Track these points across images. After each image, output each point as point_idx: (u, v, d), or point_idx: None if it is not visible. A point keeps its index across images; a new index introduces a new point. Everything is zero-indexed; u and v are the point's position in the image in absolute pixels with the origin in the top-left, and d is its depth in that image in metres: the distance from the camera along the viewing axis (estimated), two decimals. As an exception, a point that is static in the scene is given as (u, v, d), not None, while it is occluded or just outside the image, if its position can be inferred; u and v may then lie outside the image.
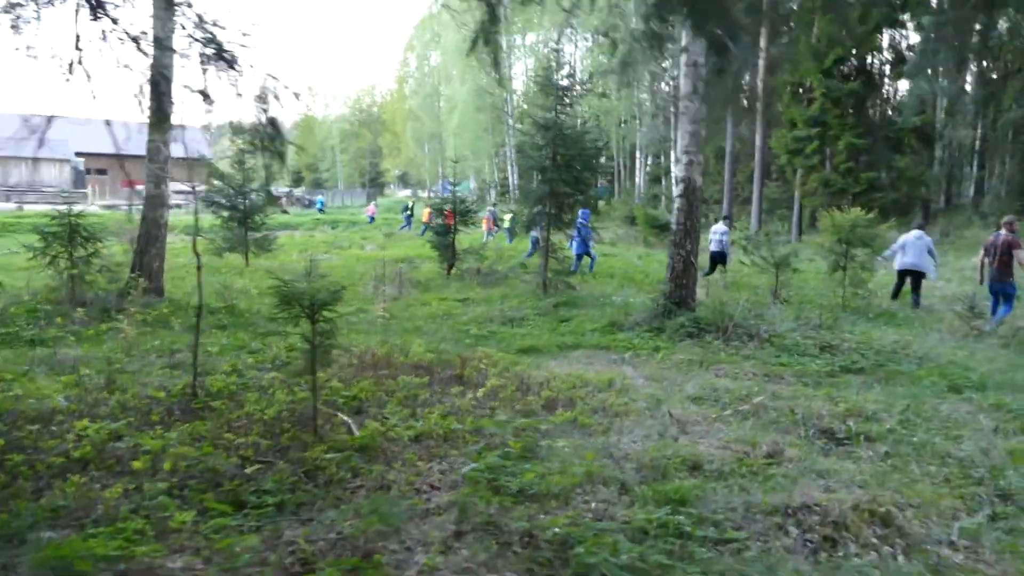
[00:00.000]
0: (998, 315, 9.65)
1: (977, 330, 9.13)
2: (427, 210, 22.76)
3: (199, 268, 5.63)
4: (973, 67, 22.56)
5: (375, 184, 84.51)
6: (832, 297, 11.53)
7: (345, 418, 4.90)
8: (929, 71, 18.74)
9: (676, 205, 8.92)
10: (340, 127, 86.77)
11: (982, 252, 10.02)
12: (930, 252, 11.47)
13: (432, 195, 57.49)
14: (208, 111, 5.10)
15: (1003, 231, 9.69)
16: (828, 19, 23.39)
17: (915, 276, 11.44)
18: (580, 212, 14.62)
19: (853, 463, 4.59)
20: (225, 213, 15.92)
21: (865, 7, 22.16)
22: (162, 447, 4.15)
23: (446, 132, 53.07)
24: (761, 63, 26.37)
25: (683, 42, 8.78)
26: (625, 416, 5.20)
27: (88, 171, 55.72)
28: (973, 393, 6.28)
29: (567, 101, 11.41)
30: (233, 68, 4.99)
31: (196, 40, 5.00)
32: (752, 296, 11.93)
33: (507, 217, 25.69)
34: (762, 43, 26.11)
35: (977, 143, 25.13)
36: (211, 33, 4.99)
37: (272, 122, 5.10)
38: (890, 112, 24.02)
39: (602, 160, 50.72)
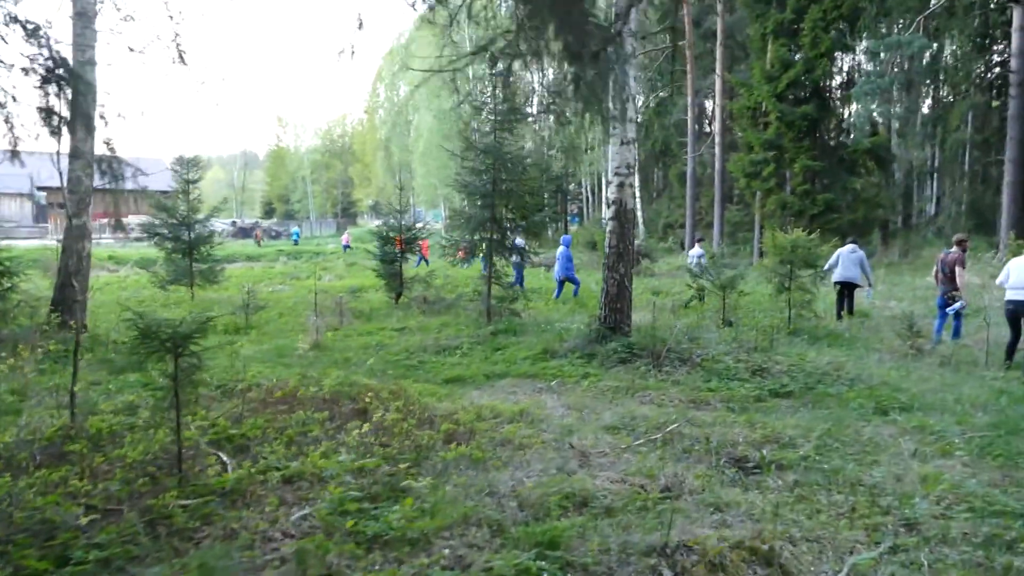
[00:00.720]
0: (953, 330, 10.10)
1: (916, 349, 9.01)
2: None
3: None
4: (923, 90, 23.03)
5: (347, 214, 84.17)
6: (778, 319, 11.39)
7: (225, 458, 4.57)
8: (876, 94, 18.97)
9: (608, 228, 8.74)
10: (311, 158, 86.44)
11: (935, 268, 10.44)
12: (862, 266, 11.99)
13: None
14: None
15: (954, 249, 10.04)
16: (780, 43, 23.69)
17: (849, 288, 12.02)
18: (563, 239, 15.12)
19: (758, 494, 4.35)
20: (169, 245, 15.51)
21: (816, 32, 22.50)
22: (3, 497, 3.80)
23: (413, 160, 53.07)
24: (717, 87, 26.69)
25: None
26: (528, 449, 4.92)
27: (51, 205, 54.85)
28: (899, 415, 6.10)
29: (506, 126, 11.25)
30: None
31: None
32: (700, 319, 11.78)
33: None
34: (717, 69, 26.50)
35: (929, 164, 25.48)
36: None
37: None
38: (844, 135, 24.20)
39: (570, 187, 51.28)
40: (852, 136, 21.23)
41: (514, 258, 12.09)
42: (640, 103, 39.41)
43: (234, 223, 55.76)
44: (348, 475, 4.20)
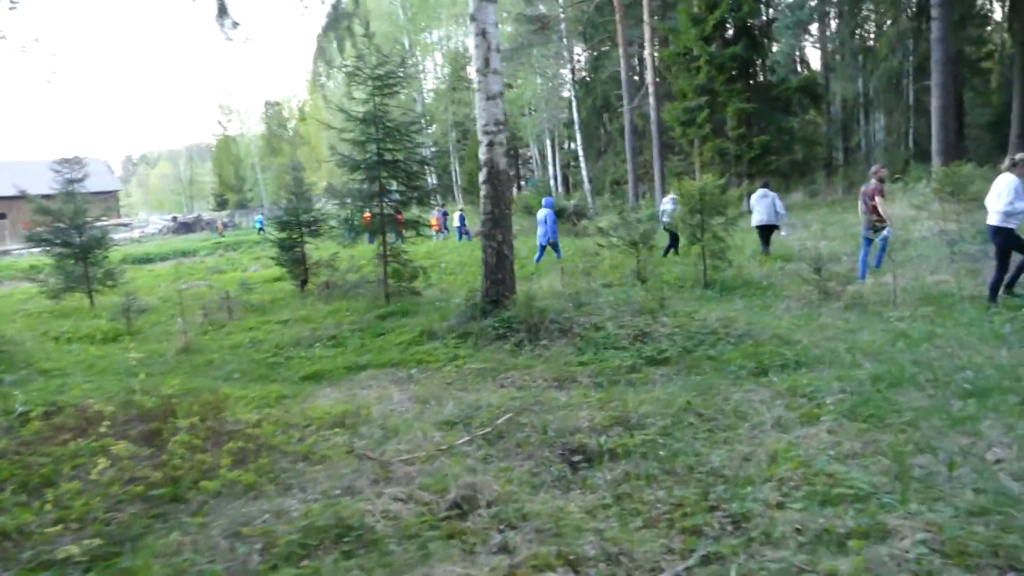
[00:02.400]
0: (876, 258, 10.24)
1: (824, 293, 8.43)
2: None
3: None
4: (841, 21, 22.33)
5: (302, 198, 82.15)
6: (691, 271, 10.77)
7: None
8: (795, 28, 18.30)
9: (482, 193, 7.96)
10: (258, 144, 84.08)
11: (860, 201, 10.49)
12: (775, 206, 12.16)
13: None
14: None
15: (873, 180, 10.14)
16: (704, -16, 22.83)
17: (767, 230, 12.33)
18: (545, 200, 15.39)
19: (580, 495, 3.69)
20: (58, 251, 14.41)
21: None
22: None
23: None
24: (647, 35, 25.80)
25: (471, 9, 7.80)
26: (327, 462, 4.20)
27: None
28: (778, 374, 5.48)
29: (385, 91, 10.34)
30: None
31: None
32: (614, 279, 11.14)
33: (456, 216, 24.71)
34: (645, 16, 25.59)
35: (865, 96, 24.91)
36: None
37: None
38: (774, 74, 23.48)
39: (520, 151, 50.25)
40: (775, 73, 20.50)
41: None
42: (578, 60, 38.46)
43: (175, 218, 54.02)
44: (71, 527, 3.45)
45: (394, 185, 10.68)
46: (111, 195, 60.47)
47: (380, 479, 3.92)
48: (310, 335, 8.72)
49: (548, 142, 39.34)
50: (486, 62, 7.77)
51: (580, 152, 34.09)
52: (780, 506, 3.31)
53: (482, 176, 7.95)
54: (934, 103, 16.06)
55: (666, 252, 13.88)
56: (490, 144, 7.82)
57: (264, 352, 8.19)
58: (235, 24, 8.72)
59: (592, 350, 6.47)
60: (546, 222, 14.49)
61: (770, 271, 10.99)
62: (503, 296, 7.76)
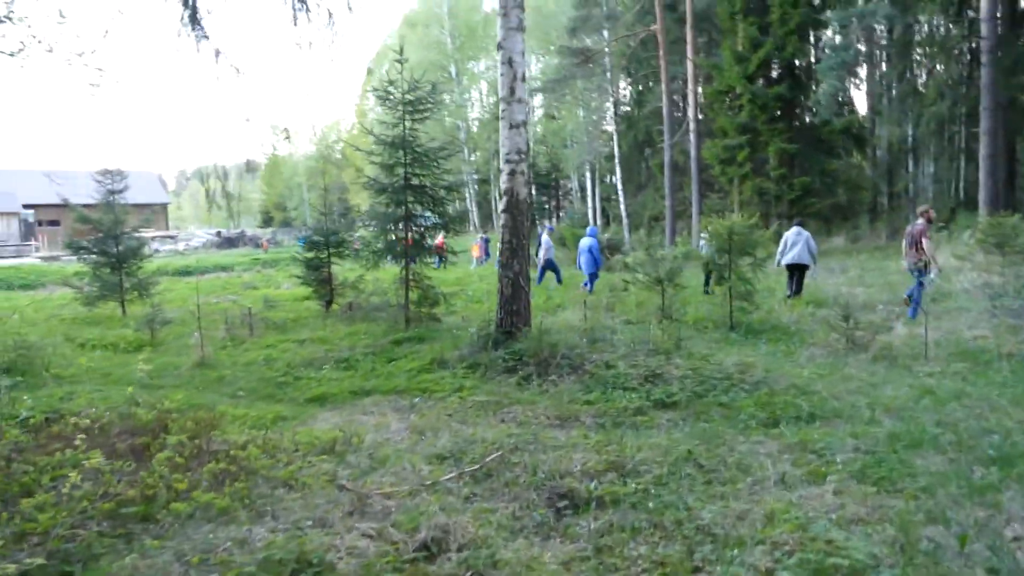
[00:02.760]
0: (913, 301, 10.06)
1: (852, 343, 8.09)
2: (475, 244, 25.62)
3: None
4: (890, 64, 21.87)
5: (332, 219, 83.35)
6: (718, 312, 10.48)
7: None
8: (841, 68, 18.00)
9: (501, 222, 7.87)
10: (307, 164, 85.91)
11: (904, 241, 10.38)
12: (808, 246, 12.01)
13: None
14: None
15: (920, 220, 10.11)
16: (750, 22, 22.71)
17: (800, 270, 12.18)
18: (589, 230, 15.86)
19: (559, 544, 3.50)
20: (95, 259, 14.73)
21: (785, 8, 21.51)
22: None
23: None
24: (689, 72, 25.70)
25: (499, 38, 7.78)
26: (305, 491, 4.08)
27: (40, 223, 54.58)
28: (790, 427, 5.20)
29: (416, 116, 10.39)
30: None
31: None
32: (638, 316, 10.91)
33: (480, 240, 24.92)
34: (688, 53, 25.52)
35: (909, 140, 24.28)
36: None
37: None
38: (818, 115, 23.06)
39: (557, 182, 50.35)
40: (817, 114, 20.16)
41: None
42: (622, 94, 38.51)
43: (219, 233, 55.20)
44: (31, 541, 3.37)
45: (419, 209, 10.65)
46: (161, 207, 62.30)
47: (355, 512, 3.78)
48: (323, 356, 8.67)
49: (588, 175, 39.26)
50: (511, 91, 7.72)
51: (619, 186, 33.93)
52: (769, 573, 3.07)
53: (502, 205, 7.86)
54: (982, 151, 15.57)
55: (706, 287, 13.81)
56: (511, 173, 7.74)
57: (275, 371, 8.15)
58: (205, 35, 7.94)
59: (600, 389, 6.26)
60: (590, 251, 14.69)
61: (799, 316, 10.63)
62: (517, 328, 7.62)
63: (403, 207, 10.48)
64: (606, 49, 32.15)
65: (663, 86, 27.70)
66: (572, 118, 35.39)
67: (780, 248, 12.24)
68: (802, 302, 11.44)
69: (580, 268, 15.54)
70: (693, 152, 25.40)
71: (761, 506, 3.77)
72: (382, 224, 10.56)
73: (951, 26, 21.67)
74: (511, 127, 7.74)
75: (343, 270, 13.45)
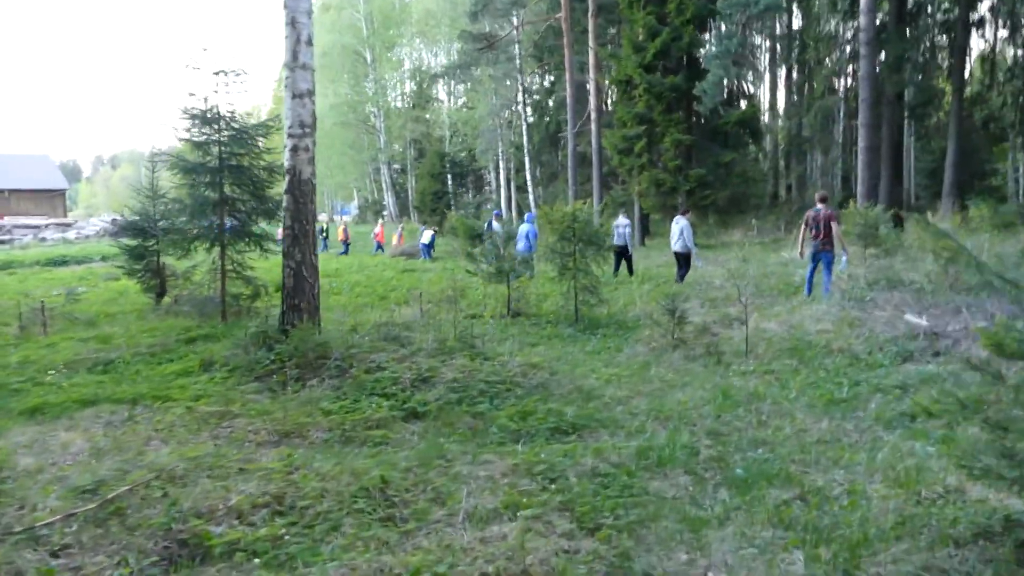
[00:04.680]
0: (824, 284, 10.01)
1: (679, 340, 7.44)
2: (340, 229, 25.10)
3: None
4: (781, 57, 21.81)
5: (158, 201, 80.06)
6: (560, 306, 9.80)
7: None
8: (725, 57, 17.66)
9: (284, 204, 6.91)
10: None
11: (803, 226, 10.25)
12: (683, 236, 12.53)
13: (340, 217, 55.75)
14: None
15: (821, 206, 10.07)
16: (648, 11, 22.23)
17: (683, 257, 12.72)
18: (527, 216, 16.22)
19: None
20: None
21: (681, -3, 21.09)
22: None
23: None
24: (591, 61, 25.12)
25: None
26: None
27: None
28: (533, 443, 4.44)
29: (228, 89, 9.30)
30: None
31: None
32: (488, 310, 10.14)
33: (427, 234, 23.53)
34: (591, 41, 24.93)
35: (804, 135, 24.32)
36: None
37: None
38: (719, 107, 22.77)
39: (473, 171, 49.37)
40: (703, 104, 19.80)
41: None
42: (534, 83, 37.75)
43: (113, 221, 52.12)
44: None
45: (237, 192, 9.59)
46: (58, 193, 58.65)
47: None
48: (92, 357, 7.54)
49: (502, 165, 38.46)
50: (294, 55, 6.75)
51: (528, 177, 33.28)
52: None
53: (285, 185, 6.90)
54: (860, 143, 15.39)
55: (615, 272, 14.31)
56: (294, 149, 6.78)
57: (21, 375, 6.99)
58: None
59: (354, 396, 5.38)
60: (527, 238, 14.40)
61: (653, 309, 10.03)
62: (298, 324, 6.67)
63: (218, 190, 9.38)
64: (514, 35, 31.35)
65: (568, 75, 27.10)
66: (484, 106, 34.48)
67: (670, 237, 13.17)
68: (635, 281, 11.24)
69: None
70: (594, 143, 24.88)
71: (417, 555, 2.95)
72: (193, 209, 9.43)
73: (840, 20, 21.73)
74: (294, 96, 6.76)
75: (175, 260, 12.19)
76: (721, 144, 22.37)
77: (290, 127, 6.80)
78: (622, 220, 14.91)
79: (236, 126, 9.41)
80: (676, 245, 12.78)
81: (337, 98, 45.97)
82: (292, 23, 6.74)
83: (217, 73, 9.20)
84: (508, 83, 34.65)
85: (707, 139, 22.16)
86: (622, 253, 14.58)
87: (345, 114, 45.68)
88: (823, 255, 10.07)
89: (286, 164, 6.85)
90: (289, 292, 6.79)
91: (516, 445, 4.38)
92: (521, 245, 14.47)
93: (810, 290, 10.19)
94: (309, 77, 6.82)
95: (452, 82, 37.28)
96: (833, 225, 9.93)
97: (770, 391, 5.68)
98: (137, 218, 11.63)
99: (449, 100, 50.23)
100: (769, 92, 24.85)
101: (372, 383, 5.54)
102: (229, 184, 9.55)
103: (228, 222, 9.71)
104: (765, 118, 24.13)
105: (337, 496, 3.56)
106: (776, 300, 10.41)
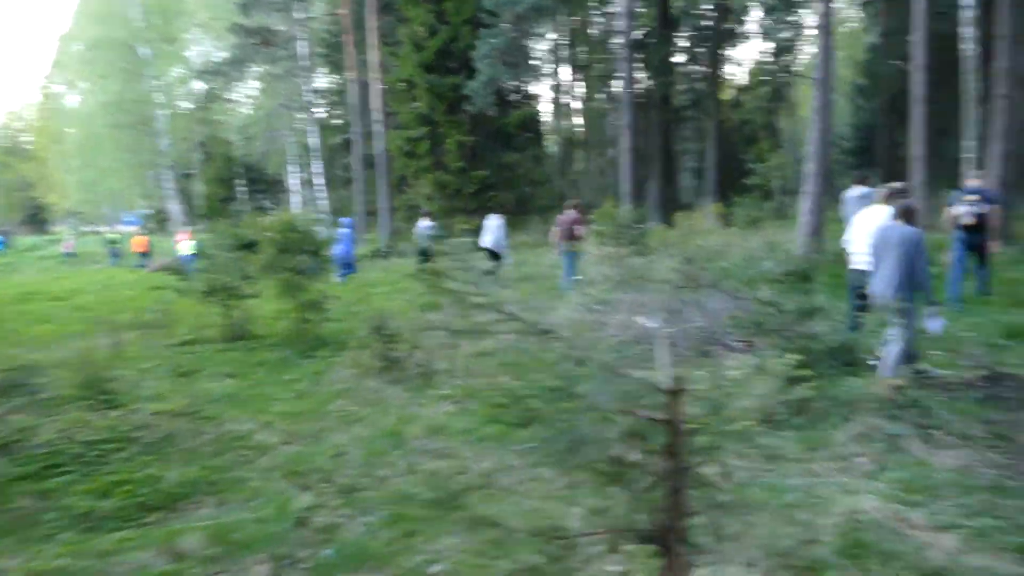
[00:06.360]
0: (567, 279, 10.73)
1: (389, 360, 6.66)
2: (136, 240, 23.23)
3: None
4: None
5: (35, 220, 70.56)
6: (290, 325, 8.74)
7: None
8: (493, 56, 17.47)
9: None
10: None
11: (556, 229, 11.15)
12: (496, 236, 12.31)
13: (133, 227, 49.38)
14: None
15: (572, 211, 11.06)
16: (427, 9, 21.63)
17: (494, 255, 12.35)
18: (344, 221, 15.66)
19: None
20: None
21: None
22: None
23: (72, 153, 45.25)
24: (375, 60, 24.07)
25: None
26: None
27: None
28: (101, 534, 3.40)
29: None
30: None
31: None
32: (206, 333, 8.81)
33: (187, 245, 19.75)
34: (371, 39, 23.88)
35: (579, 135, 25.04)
36: None
37: None
38: (501, 108, 22.65)
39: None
40: (473, 103, 19.55)
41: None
42: (324, 82, 35.92)
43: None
44: None
45: None
46: None
47: None
48: None
49: (292, 168, 36.30)
50: None
51: (318, 181, 31.64)
52: None
53: None
54: (622, 144, 15.70)
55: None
56: None
57: None
58: None
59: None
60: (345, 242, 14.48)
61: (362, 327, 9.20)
62: None
63: None
64: (295, 32, 29.47)
65: (351, 74, 25.86)
66: (263, 106, 32.29)
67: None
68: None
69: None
70: (380, 145, 23.90)
71: None
72: None
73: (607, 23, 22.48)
74: None
75: None
76: (504, 146, 22.24)
77: None
78: (426, 223, 14.37)
79: None
80: (486, 241, 12.35)
81: (107, 96, 41.21)
82: None
83: None
84: (294, 82, 32.59)
85: (490, 140, 21.92)
86: (424, 255, 13.88)
87: (119, 114, 40.99)
88: (571, 254, 10.96)
89: None
90: None
91: (68, 533, 3.31)
92: (339, 249, 14.18)
93: (568, 289, 10.40)
94: None
95: (231, 81, 34.48)
96: (578, 228, 10.91)
97: (457, 421, 5.02)
98: None
99: (239, 100, 46.85)
100: (553, 93, 25.06)
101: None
102: None
103: None
104: (551, 119, 24.35)
105: None
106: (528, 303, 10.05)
